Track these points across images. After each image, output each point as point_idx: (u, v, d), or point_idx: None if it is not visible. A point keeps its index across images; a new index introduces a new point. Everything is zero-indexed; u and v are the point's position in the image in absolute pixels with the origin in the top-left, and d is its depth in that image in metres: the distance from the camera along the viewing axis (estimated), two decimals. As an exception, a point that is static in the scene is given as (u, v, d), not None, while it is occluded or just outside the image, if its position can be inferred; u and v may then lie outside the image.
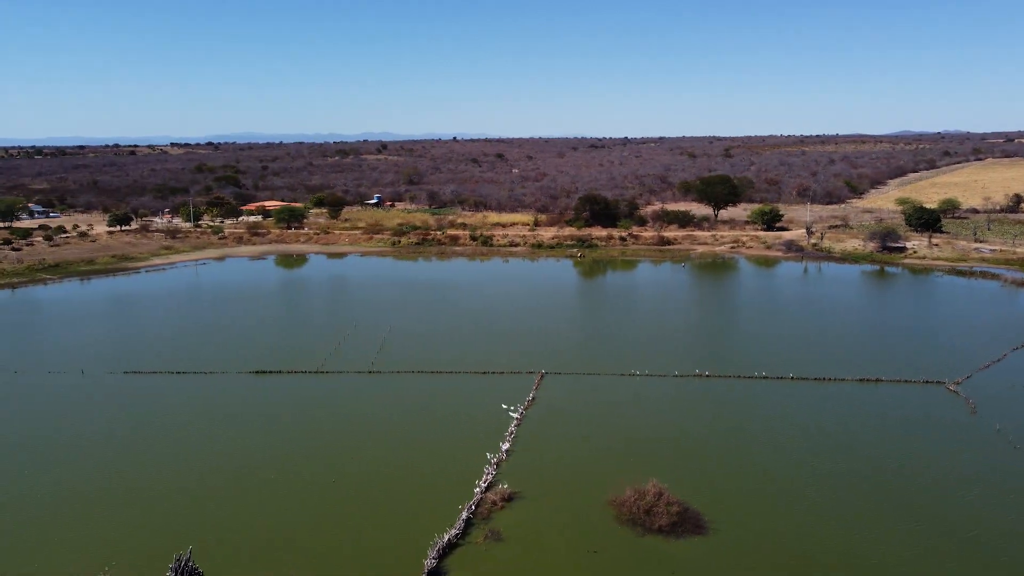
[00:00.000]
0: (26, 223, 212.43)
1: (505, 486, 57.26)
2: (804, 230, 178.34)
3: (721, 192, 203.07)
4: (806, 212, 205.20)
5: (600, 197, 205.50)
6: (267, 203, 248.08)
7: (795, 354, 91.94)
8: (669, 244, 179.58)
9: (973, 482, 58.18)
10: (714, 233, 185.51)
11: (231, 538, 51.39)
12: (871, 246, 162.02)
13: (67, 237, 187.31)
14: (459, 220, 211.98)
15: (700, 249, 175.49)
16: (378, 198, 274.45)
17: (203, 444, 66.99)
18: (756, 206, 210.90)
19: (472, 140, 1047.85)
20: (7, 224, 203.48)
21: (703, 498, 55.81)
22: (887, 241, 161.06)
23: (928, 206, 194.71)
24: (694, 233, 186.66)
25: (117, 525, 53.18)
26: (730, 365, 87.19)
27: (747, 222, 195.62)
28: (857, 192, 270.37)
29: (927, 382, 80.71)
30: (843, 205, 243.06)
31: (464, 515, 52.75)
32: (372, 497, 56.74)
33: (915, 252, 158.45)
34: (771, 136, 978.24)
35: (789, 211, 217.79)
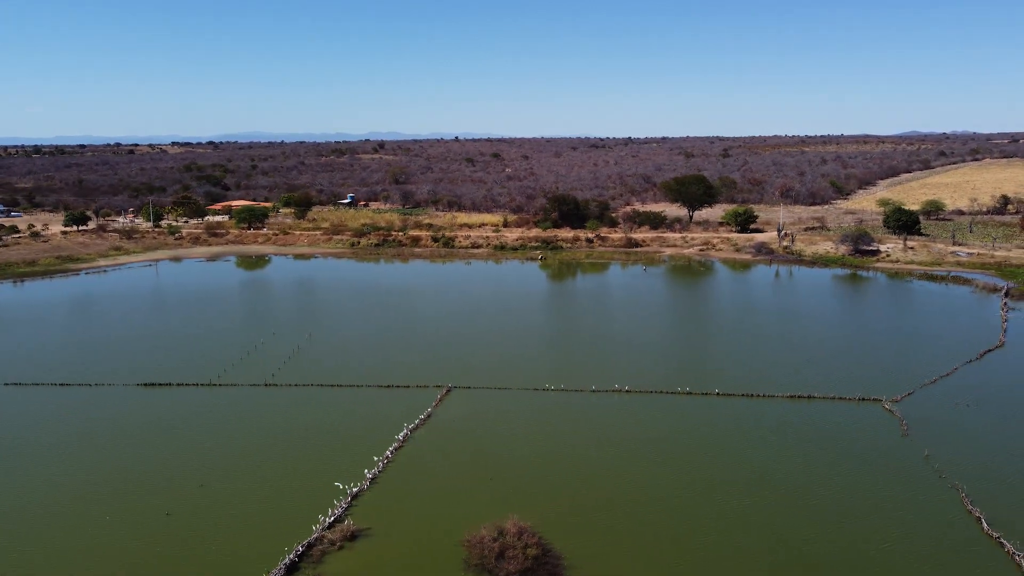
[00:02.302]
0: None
1: (350, 522, 50.93)
2: (776, 232, 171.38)
3: (696, 192, 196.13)
4: (782, 214, 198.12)
5: (570, 197, 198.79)
6: (234, 202, 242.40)
7: (730, 367, 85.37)
8: (637, 246, 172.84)
9: (885, 521, 51.51)
10: (685, 235, 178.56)
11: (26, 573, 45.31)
12: (843, 249, 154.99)
13: (18, 237, 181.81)
14: (426, 220, 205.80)
15: (668, 251, 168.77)
16: (351, 198, 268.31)
17: (43, 462, 60.84)
18: (733, 207, 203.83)
19: (474, 139, 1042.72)
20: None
21: (572, 537, 49.44)
22: (860, 244, 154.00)
23: (910, 207, 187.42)
24: (664, 235, 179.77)
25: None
26: (655, 379, 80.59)
27: (721, 223, 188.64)
28: (843, 193, 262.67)
29: (863, 399, 74.01)
30: (827, 206, 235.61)
31: (289, 558, 46.47)
32: (201, 534, 50.49)
33: (888, 256, 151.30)
34: (774, 136, 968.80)
35: (769, 212, 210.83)
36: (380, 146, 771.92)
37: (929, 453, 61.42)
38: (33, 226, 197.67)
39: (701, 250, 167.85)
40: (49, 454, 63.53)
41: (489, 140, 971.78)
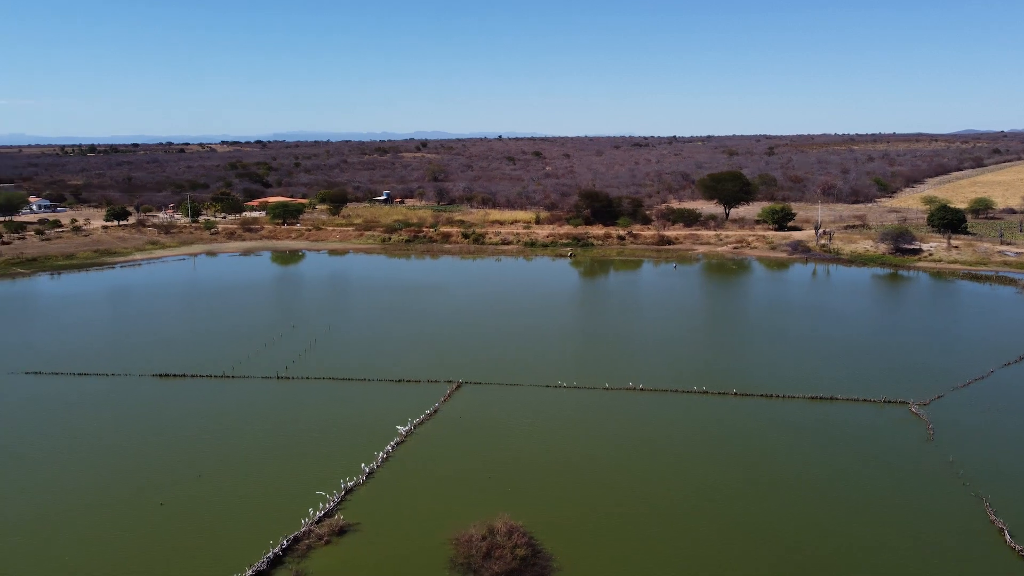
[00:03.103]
0: (28, 217, 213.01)
1: (340, 517, 49.97)
2: (814, 230, 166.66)
3: (732, 190, 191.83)
4: (821, 211, 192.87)
5: (602, 194, 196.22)
6: (271, 199, 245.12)
7: (753, 367, 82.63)
8: (670, 244, 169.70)
9: (902, 529, 48.73)
10: (719, 233, 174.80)
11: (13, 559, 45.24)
12: (883, 248, 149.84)
13: (61, 232, 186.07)
14: (458, 217, 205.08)
15: (701, 249, 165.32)
16: (387, 194, 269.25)
17: (48, 451, 61.18)
18: (770, 204, 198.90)
19: (517, 138, 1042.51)
20: (7, 218, 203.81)
21: (566, 538, 47.77)
22: (900, 242, 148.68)
23: (958, 206, 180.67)
24: (698, 232, 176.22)
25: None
26: (672, 377, 78.26)
27: (757, 221, 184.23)
28: (888, 191, 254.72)
29: (888, 402, 70.74)
30: (869, 204, 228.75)
31: (273, 551, 45.67)
32: (192, 524, 50.00)
33: (931, 255, 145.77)
34: (823, 135, 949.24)
35: (808, 210, 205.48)
36: (423, 145, 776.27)
37: (954, 459, 58.25)
38: (75, 221, 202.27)
39: (735, 248, 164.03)
40: (55, 442, 63.94)
41: (532, 139, 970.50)
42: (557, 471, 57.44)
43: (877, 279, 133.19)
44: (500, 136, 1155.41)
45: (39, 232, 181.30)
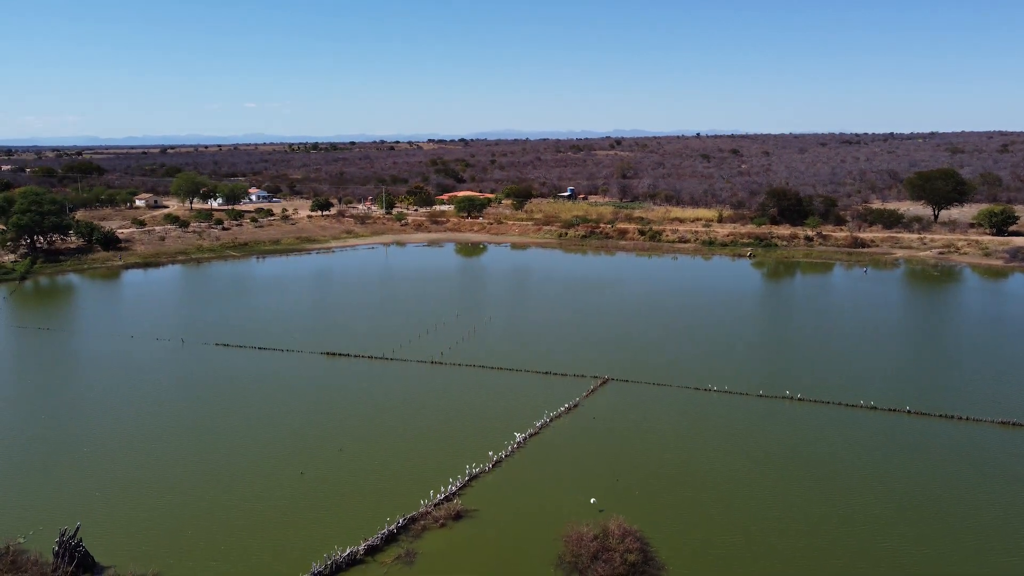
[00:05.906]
0: (247, 206, 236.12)
1: (459, 502, 50.52)
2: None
3: (942, 189, 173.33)
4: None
5: (791, 192, 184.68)
6: (459, 193, 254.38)
7: (936, 385, 74.15)
8: (864, 246, 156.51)
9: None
10: (923, 236, 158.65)
11: (138, 518, 50.08)
12: None
13: (272, 220, 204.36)
14: (637, 214, 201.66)
15: (900, 253, 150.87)
16: (571, 191, 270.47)
17: (216, 414, 67.14)
18: (988, 206, 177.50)
19: (716, 136, 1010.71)
20: (231, 207, 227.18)
21: (681, 549, 45.28)
22: None
23: None
24: (898, 235, 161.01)
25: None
26: (836, 389, 71.92)
27: (971, 225, 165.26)
28: None
29: (1100, 436, 60.54)
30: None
31: (389, 528, 47.01)
32: (323, 495, 52.71)
33: None
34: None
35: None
36: (617, 143, 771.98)
37: None
38: (285, 210, 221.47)
39: (940, 253, 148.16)
40: (221, 407, 70.05)
41: (732, 136, 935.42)
42: (687, 479, 54.52)
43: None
44: (698, 134, 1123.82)
45: (253, 220, 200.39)
